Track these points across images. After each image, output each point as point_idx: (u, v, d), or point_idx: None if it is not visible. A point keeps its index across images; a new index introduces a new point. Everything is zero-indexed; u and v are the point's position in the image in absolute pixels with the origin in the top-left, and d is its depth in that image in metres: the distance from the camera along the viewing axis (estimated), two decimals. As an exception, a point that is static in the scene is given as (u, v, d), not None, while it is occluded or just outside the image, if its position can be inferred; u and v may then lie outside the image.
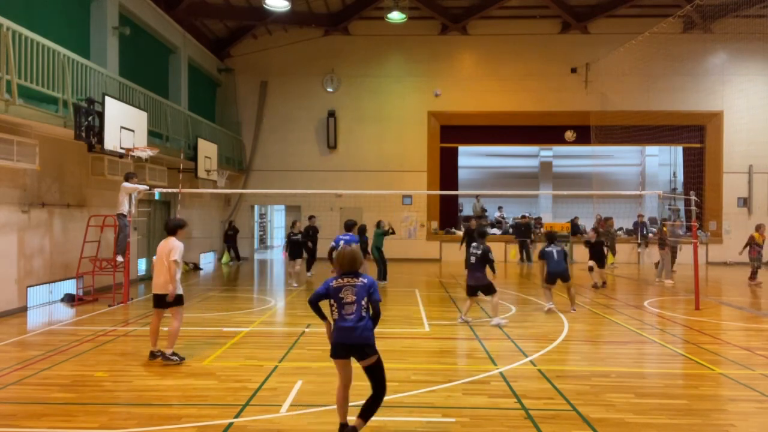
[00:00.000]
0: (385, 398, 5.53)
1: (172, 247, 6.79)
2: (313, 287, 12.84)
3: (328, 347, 7.68)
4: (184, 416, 5.06)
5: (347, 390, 4.61)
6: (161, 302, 6.85)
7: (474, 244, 9.49)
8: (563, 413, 5.19)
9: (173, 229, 6.98)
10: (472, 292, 9.40)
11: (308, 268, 16.09)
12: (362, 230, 13.31)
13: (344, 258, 4.73)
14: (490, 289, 9.20)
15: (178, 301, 6.87)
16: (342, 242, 10.42)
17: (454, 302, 11.64)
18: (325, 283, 4.67)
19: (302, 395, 5.62)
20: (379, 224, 14.87)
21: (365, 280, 4.61)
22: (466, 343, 8.19)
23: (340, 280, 4.62)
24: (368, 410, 4.53)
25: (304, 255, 15.35)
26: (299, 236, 14.60)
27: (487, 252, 9.19)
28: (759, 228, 15.17)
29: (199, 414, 5.11)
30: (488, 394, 5.73)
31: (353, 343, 4.49)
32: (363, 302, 4.53)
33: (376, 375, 4.55)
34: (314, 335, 8.41)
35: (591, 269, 13.84)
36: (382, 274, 14.50)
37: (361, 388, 5.88)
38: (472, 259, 9.28)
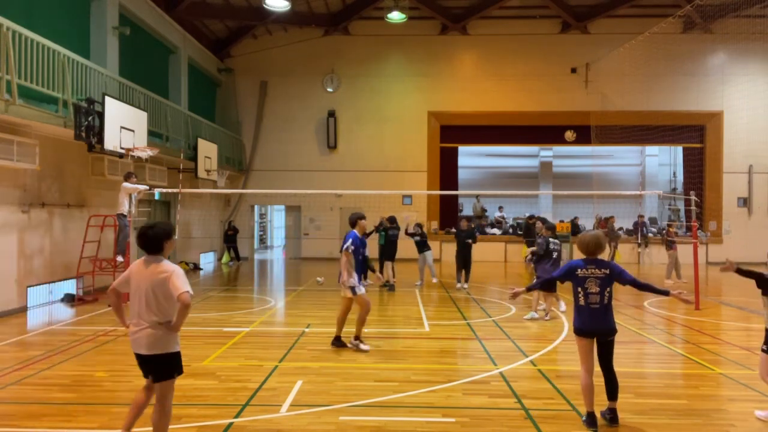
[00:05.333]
0: (385, 398, 5.57)
1: (173, 271, 4.01)
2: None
3: (328, 347, 7.70)
4: (184, 416, 5.05)
5: (592, 376, 4.84)
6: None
7: (556, 240, 9.79)
8: (563, 413, 5.19)
9: (157, 241, 4.11)
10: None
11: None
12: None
13: (588, 243, 4.90)
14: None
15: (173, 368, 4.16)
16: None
17: (454, 302, 11.64)
18: (568, 268, 4.92)
19: (302, 395, 5.62)
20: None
21: (608, 270, 4.83)
22: (466, 343, 8.18)
23: (584, 270, 4.85)
24: (611, 392, 4.88)
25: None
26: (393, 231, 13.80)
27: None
28: None
29: (199, 414, 5.11)
30: (488, 394, 5.73)
31: (596, 328, 4.83)
32: (606, 292, 4.81)
33: (608, 352, 4.88)
34: (314, 335, 8.41)
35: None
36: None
37: (364, 388, 5.89)
38: (555, 254, 9.69)
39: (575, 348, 5.03)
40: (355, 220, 7.74)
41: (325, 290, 13.31)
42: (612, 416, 4.88)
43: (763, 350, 5.08)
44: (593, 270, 4.84)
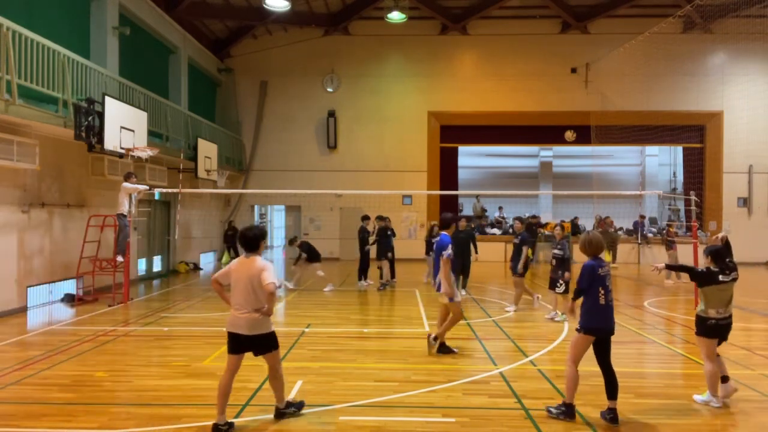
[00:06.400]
0: (385, 398, 5.58)
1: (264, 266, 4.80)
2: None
3: (328, 347, 7.71)
4: (184, 416, 5.06)
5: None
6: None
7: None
8: (563, 413, 5.18)
9: (255, 241, 4.90)
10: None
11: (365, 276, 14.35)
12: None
13: (597, 243, 5.15)
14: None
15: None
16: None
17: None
18: (591, 271, 4.99)
19: (302, 395, 5.61)
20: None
21: (609, 267, 5.18)
22: (466, 343, 8.18)
23: (602, 268, 5.04)
24: (612, 391, 4.95)
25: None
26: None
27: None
28: None
29: (199, 414, 5.11)
30: (488, 394, 5.73)
31: (609, 326, 5.02)
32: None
33: (608, 350, 5.04)
34: (314, 335, 8.41)
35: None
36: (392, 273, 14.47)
37: (364, 388, 5.89)
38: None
39: (575, 347, 5.04)
40: (449, 222, 7.33)
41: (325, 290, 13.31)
42: (612, 416, 4.89)
43: (696, 333, 5.50)
44: (608, 267, 5.12)
